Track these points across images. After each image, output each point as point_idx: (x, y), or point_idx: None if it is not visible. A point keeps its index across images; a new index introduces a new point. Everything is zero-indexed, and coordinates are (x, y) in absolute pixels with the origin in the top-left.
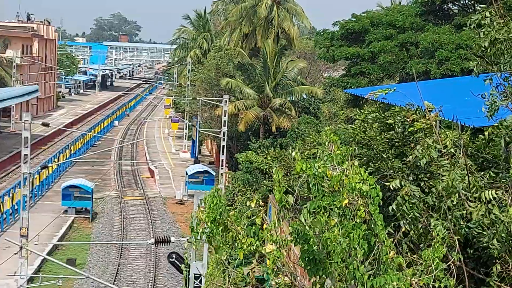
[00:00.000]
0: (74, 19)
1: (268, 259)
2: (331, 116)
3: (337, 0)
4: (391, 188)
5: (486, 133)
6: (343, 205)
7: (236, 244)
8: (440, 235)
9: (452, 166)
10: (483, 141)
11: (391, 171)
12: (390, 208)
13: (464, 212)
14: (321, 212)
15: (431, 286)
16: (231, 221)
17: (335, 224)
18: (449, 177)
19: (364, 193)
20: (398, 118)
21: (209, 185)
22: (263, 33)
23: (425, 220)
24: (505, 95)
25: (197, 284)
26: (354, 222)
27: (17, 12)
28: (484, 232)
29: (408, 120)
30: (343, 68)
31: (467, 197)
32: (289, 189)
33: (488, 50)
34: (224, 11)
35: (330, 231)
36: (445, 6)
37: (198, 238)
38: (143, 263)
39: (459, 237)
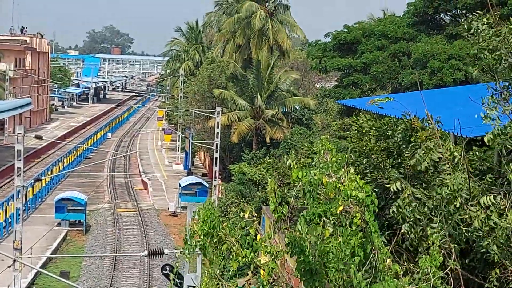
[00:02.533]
0: (67, 32)
1: (263, 270)
2: (323, 127)
3: (329, 11)
4: (392, 190)
5: (485, 139)
6: (338, 212)
7: (231, 255)
8: (436, 242)
9: (453, 170)
10: (479, 151)
11: (388, 180)
12: (390, 211)
13: (465, 216)
14: (316, 219)
15: None
16: (225, 233)
17: (331, 234)
18: (451, 181)
19: (360, 200)
20: (398, 127)
21: (202, 197)
22: (257, 45)
23: (426, 224)
24: (503, 102)
25: None
26: (351, 230)
27: (11, 26)
28: (484, 238)
29: (412, 127)
30: (335, 79)
31: (467, 201)
32: (283, 200)
33: (486, 57)
34: (217, 22)
35: (327, 240)
36: (437, 16)
37: (192, 250)
38: (136, 275)
39: (455, 244)
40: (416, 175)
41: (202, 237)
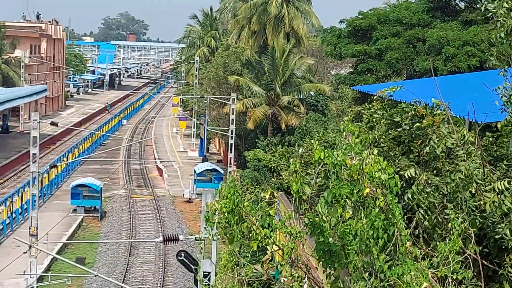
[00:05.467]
0: (82, 19)
1: (282, 250)
2: (339, 113)
3: None
4: (406, 176)
5: (498, 125)
6: (364, 194)
7: (250, 235)
8: (456, 227)
9: (467, 156)
10: (492, 137)
11: (398, 169)
12: (405, 197)
13: (480, 203)
14: (340, 201)
15: (449, 278)
16: (246, 212)
17: (351, 216)
18: (466, 166)
19: (383, 182)
20: (406, 115)
21: (217, 184)
22: (273, 31)
23: (440, 211)
24: None
25: (206, 282)
26: (374, 212)
27: (23, 13)
28: (498, 224)
29: (418, 115)
30: (350, 65)
31: (482, 187)
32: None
33: (504, 42)
34: (232, 9)
35: (347, 222)
36: (452, 2)
37: (214, 228)
38: (152, 261)
39: (475, 229)
40: (428, 162)
41: (226, 214)
